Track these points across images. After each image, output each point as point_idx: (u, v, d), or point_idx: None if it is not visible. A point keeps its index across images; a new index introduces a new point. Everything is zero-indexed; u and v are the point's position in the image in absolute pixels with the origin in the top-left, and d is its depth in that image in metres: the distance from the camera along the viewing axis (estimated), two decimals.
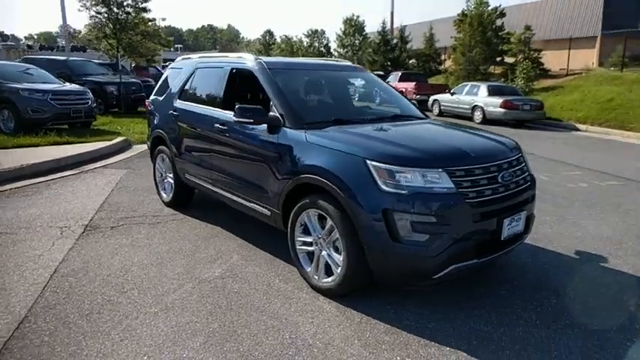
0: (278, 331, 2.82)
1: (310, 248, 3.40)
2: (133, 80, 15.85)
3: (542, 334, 2.83)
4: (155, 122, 5.43)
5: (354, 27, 58.41)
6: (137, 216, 5.02)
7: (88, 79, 13.86)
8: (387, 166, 2.86)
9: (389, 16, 39.82)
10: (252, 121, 3.61)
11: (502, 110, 14.31)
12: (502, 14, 29.53)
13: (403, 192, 2.81)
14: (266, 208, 3.72)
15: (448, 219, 2.82)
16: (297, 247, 3.47)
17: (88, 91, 11.14)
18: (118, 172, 7.11)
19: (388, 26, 38.45)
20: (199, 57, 5.14)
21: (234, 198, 4.12)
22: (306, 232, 3.42)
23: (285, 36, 65.42)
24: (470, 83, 16.94)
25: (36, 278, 3.49)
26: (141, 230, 4.59)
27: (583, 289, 3.48)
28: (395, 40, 37.30)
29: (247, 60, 4.20)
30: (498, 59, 25.70)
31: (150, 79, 17.96)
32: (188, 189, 5.17)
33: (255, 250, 4.10)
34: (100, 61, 18.28)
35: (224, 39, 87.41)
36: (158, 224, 4.80)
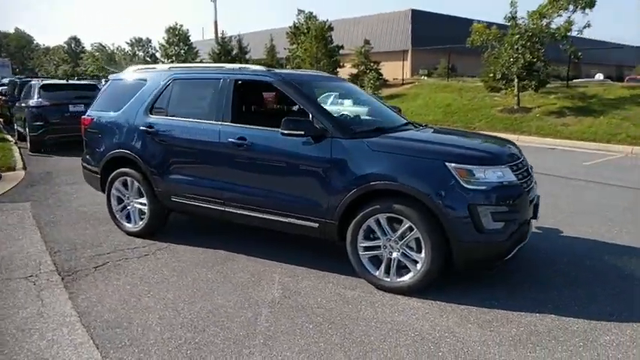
0: (398, 333, 2.91)
1: (375, 252, 3.53)
2: None
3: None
4: (112, 141, 4.69)
5: (177, 36, 56.58)
6: (110, 251, 4.30)
7: None
8: (467, 166, 3.22)
9: (229, 26, 39.72)
10: (302, 133, 3.55)
11: None
12: (330, 28, 32.43)
13: (483, 188, 3.20)
14: (312, 220, 3.68)
15: (516, 207, 3.31)
16: (360, 253, 3.55)
17: None
18: (23, 206, 5.82)
19: (228, 34, 38.36)
20: (170, 67, 4.66)
21: (261, 216, 3.91)
22: (368, 237, 3.53)
23: (100, 44, 59.24)
24: (333, 93, 18.13)
25: (71, 340, 2.82)
26: (134, 266, 3.98)
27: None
28: (235, 51, 37.40)
29: (261, 72, 4.06)
30: (338, 70, 28.12)
31: None
32: (165, 214, 4.64)
33: (287, 265, 3.98)
34: None
35: (12, 45, 74.09)
36: (146, 256, 4.21)
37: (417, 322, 3.05)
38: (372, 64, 25.05)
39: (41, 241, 4.57)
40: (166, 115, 4.41)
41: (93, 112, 4.99)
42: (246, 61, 38.72)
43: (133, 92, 4.69)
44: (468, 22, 42.57)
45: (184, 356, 2.65)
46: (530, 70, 14.03)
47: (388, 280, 3.47)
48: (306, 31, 37.57)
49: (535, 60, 13.81)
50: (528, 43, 13.66)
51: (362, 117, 4.81)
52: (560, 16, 13.55)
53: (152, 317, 3.10)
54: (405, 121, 4.60)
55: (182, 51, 56.21)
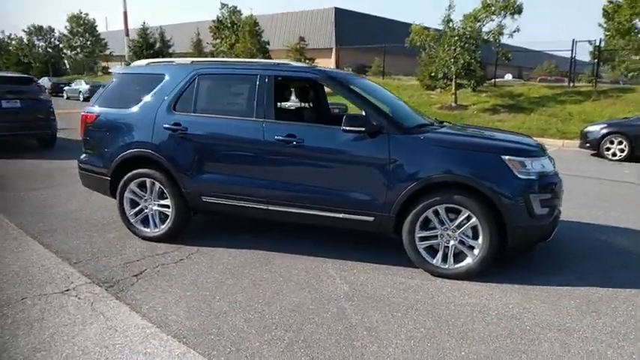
0: (481, 313, 3.13)
1: (431, 242, 3.72)
2: None
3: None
4: (126, 140, 4.37)
5: (82, 26, 52.36)
6: (139, 259, 4.03)
7: None
8: (519, 158, 3.53)
9: (143, 17, 37.76)
10: (363, 129, 3.63)
11: None
12: (256, 23, 32.16)
13: (532, 177, 3.54)
14: (368, 214, 3.78)
15: (556, 194, 3.70)
16: (417, 243, 3.73)
17: None
18: None
19: (151, 26, 36.27)
20: (193, 62, 4.45)
21: (311, 212, 3.92)
22: (425, 228, 3.72)
23: None
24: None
25: (170, 352, 2.67)
26: (177, 272, 3.78)
27: None
28: (158, 44, 35.48)
29: (304, 68, 4.06)
30: None
31: None
32: (190, 216, 4.45)
33: (335, 260, 4.03)
34: None
35: None
36: (182, 261, 4.01)
37: (489, 303, 3.30)
38: (307, 61, 25.26)
39: (48, 252, 4.15)
40: (194, 113, 4.22)
41: (97, 109, 4.60)
42: (170, 55, 37.06)
43: (148, 88, 4.41)
44: (391, 22, 44.50)
45: (303, 354, 2.64)
46: (468, 70, 15.17)
47: (446, 267, 3.69)
48: (230, 25, 36.94)
49: (473, 61, 14.95)
50: (466, 45, 14.73)
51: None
52: (493, 20, 14.81)
53: (238, 321, 3.01)
54: (432, 119, 4.83)
55: (88, 42, 52.23)
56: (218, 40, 36.92)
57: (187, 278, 3.67)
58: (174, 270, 3.83)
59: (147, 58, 33.28)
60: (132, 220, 4.50)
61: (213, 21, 37.24)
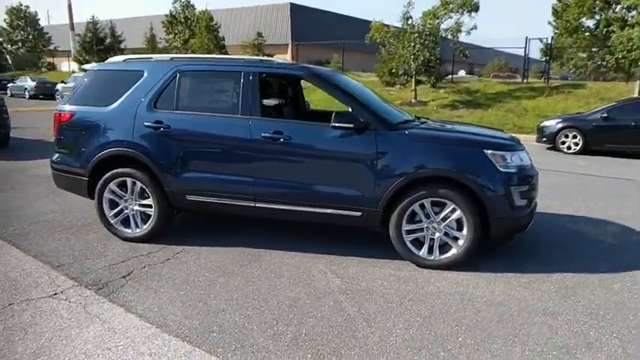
0: (471, 302, 3.30)
1: (417, 235, 3.86)
2: None
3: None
4: (104, 139, 4.24)
5: (23, 19, 49.55)
6: (124, 260, 3.94)
7: None
8: (500, 152, 3.73)
9: (89, 10, 36.22)
10: (351, 126, 3.70)
11: None
12: (212, 18, 31.59)
13: (512, 170, 3.74)
14: (356, 210, 3.87)
15: (533, 186, 3.93)
16: (404, 236, 3.86)
17: None
18: None
19: (101, 20, 34.74)
20: (173, 58, 4.36)
21: (298, 209, 3.96)
22: (411, 221, 3.85)
23: None
24: None
25: (176, 351, 2.65)
26: (166, 272, 3.73)
27: None
28: (109, 40, 34.06)
29: (290, 65, 4.08)
30: None
31: None
32: (173, 216, 4.39)
33: (322, 255, 4.09)
34: None
35: None
36: (169, 261, 3.96)
37: (476, 291, 3.47)
38: (265, 56, 25.02)
39: (26, 256, 3.98)
40: (176, 110, 4.15)
41: (72, 107, 4.42)
42: (122, 51, 35.72)
43: (126, 85, 4.29)
44: (347, 19, 44.76)
45: (309, 347, 2.69)
46: (427, 67, 15.59)
47: (432, 258, 3.84)
48: (183, 20, 36.06)
49: (432, 57, 15.38)
50: (426, 42, 15.13)
51: None
52: (451, 17, 15.29)
53: (237, 318, 3.02)
54: (412, 115, 4.96)
55: (30, 36, 49.39)
56: (171, 36, 36.00)
57: (178, 278, 3.63)
58: (162, 270, 3.77)
59: (97, 53, 31.90)
60: (112, 221, 4.37)
61: (166, 15, 36.22)
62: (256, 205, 4.04)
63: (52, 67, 44.59)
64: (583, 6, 18.01)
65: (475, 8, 14.93)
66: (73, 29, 38.77)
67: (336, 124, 3.70)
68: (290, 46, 38.06)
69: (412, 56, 15.29)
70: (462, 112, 15.40)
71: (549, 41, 18.09)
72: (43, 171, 7.21)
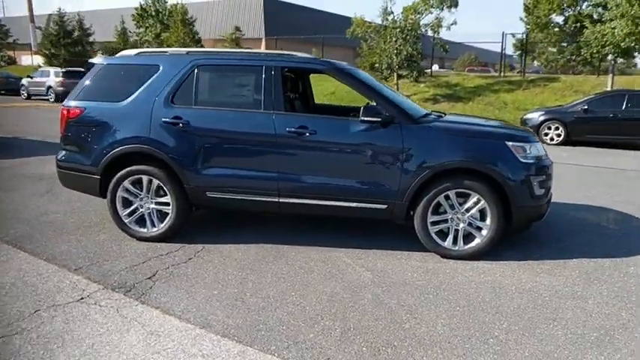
0: (503, 289, 3.38)
1: (442, 226, 3.92)
2: None
3: None
4: (118, 136, 4.10)
5: None
6: (144, 260, 3.83)
7: None
8: (521, 144, 3.83)
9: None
10: (379, 120, 3.71)
11: None
12: (186, 12, 30.88)
13: (532, 161, 3.85)
14: (382, 202, 3.89)
15: (550, 176, 4.05)
16: (430, 227, 3.91)
17: None
18: None
19: (69, 11, 33.34)
20: (189, 52, 4.25)
21: (324, 203, 3.96)
22: (435, 213, 3.91)
23: None
24: None
25: (228, 351, 2.61)
26: (192, 271, 3.65)
27: None
28: (77, 33, 32.72)
29: (312, 60, 4.06)
30: None
31: None
32: (190, 213, 4.30)
33: (345, 250, 4.09)
34: None
35: None
36: (191, 260, 3.87)
37: (504, 279, 3.56)
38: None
39: (38, 260, 3.81)
40: (195, 106, 4.06)
41: (81, 102, 4.25)
42: (91, 44, 34.49)
43: (141, 79, 4.16)
44: (322, 14, 44.56)
45: (361, 341, 2.70)
46: (410, 62, 15.77)
47: (456, 248, 3.91)
48: (154, 13, 35.15)
49: (414, 52, 15.57)
50: (408, 37, 15.30)
51: None
52: (431, 13, 15.49)
53: (281, 315, 2.99)
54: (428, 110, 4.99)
55: None
56: (142, 29, 35.02)
57: (206, 277, 3.56)
58: (187, 269, 3.69)
59: (64, 47, 30.66)
60: (126, 221, 4.24)
61: (136, 9, 35.20)
62: (280, 200, 4.00)
63: (11, 61, 42.53)
64: (553, 2, 18.65)
65: (455, 4, 15.20)
66: (33, 21, 37.14)
67: (365, 118, 3.71)
68: (264, 40, 37.72)
69: (395, 51, 15.43)
70: (443, 105, 15.66)
71: (524, 36, 18.59)
72: (29, 170, 6.93)
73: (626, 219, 5.20)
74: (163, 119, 4.02)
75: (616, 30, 12.11)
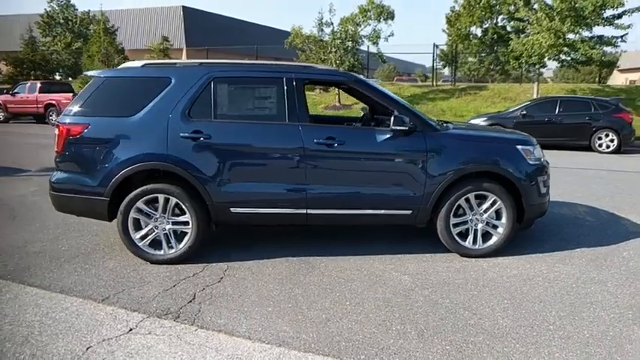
0: (531, 282, 3.67)
1: (462, 227, 4.16)
2: None
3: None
4: (130, 153, 3.85)
5: None
6: (174, 284, 3.63)
7: None
8: (528, 147, 4.20)
9: None
10: (406, 129, 3.86)
11: None
12: (91, 21, 29.31)
13: (537, 163, 4.24)
14: (408, 208, 4.05)
15: (549, 174, 4.46)
16: (452, 229, 4.13)
17: None
18: None
19: None
20: (202, 64, 4.09)
21: (351, 212, 4.03)
22: (456, 215, 4.14)
23: None
24: None
25: None
26: (230, 290, 3.53)
27: None
28: None
29: (333, 72, 4.12)
30: None
31: None
32: (209, 231, 4.14)
33: (373, 256, 4.19)
34: None
35: None
36: (223, 280, 3.73)
37: (528, 272, 3.87)
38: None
39: (52, 293, 3.45)
40: (215, 119, 3.93)
41: (84, 118, 3.92)
42: None
43: (151, 93, 3.94)
44: (242, 23, 44.18)
45: (441, 340, 2.81)
46: (352, 72, 16.26)
47: (476, 247, 4.16)
48: (63, 21, 32.81)
49: (356, 62, 16.09)
50: (348, 48, 15.79)
51: None
52: (369, 25, 16.14)
53: (350, 324, 3.01)
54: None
55: None
56: (49, 38, 32.46)
57: (250, 294, 3.46)
58: (225, 289, 3.55)
59: None
60: (139, 244, 3.97)
61: (41, 15, 32.60)
62: (308, 211, 4.00)
63: None
64: (473, 16, 20.25)
65: (391, 16, 15.99)
66: None
67: (395, 127, 3.84)
68: (185, 50, 36.61)
69: (337, 61, 15.84)
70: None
71: (454, 47, 20.00)
72: None
73: (594, 211, 5.85)
74: (182, 134, 3.85)
75: (542, 42, 13.54)
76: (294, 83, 3.98)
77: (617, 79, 36.14)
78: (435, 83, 20.41)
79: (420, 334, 2.88)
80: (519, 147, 4.15)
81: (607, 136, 11.37)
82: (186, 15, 39.03)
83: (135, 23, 39.61)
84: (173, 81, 3.97)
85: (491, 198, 4.08)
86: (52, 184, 4.07)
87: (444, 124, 4.50)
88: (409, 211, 4.06)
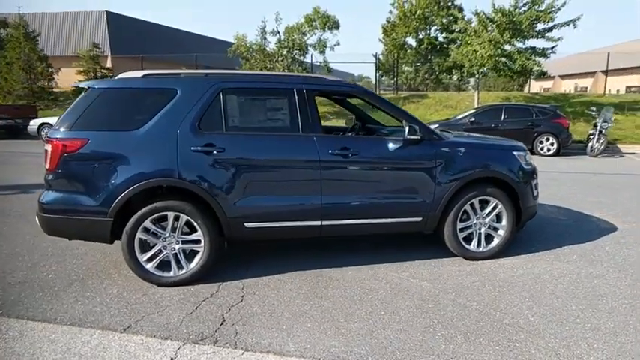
0: (541, 279, 3.92)
1: (467, 231, 4.35)
2: None
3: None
4: (136, 170, 3.59)
5: None
6: (195, 307, 3.44)
7: None
8: (522, 153, 4.49)
9: None
10: (418, 138, 3.97)
11: None
12: (6, 24, 26.92)
13: (530, 167, 4.55)
14: (417, 216, 4.16)
15: (537, 179, 4.79)
16: (458, 234, 4.30)
17: None
18: None
19: None
20: (208, 74, 3.91)
21: (366, 222, 4.06)
22: (462, 220, 4.32)
23: None
24: None
25: None
26: (259, 309, 3.41)
27: None
28: None
29: (342, 82, 4.12)
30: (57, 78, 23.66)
31: None
32: (221, 248, 3.97)
33: (383, 265, 4.24)
34: None
35: None
36: (246, 299, 3.59)
37: (532, 270, 4.12)
38: (105, 71, 22.39)
39: (64, 326, 3.12)
40: (227, 131, 3.79)
41: (81, 133, 3.59)
42: None
43: (155, 105, 3.72)
44: (168, 30, 42.62)
45: (489, 341, 2.91)
46: None
47: (481, 250, 4.37)
48: None
49: (304, 71, 16.16)
50: (296, 57, 15.85)
51: None
52: (315, 34, 16.34)
53: (395, 333, 3.03)
54: None
55: None
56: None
57: (282, 312, 3.36)
58: (253, 308, 3.42)
59: None
60: (147, 267, 3.71)
61: None
62: (322, 223, 3.96)
63: None
64: (409, 26, 21.28)
65: (337, 26, 16.30)
66: None
67: (408, 137, 3.94)
68: (109, 58, 34.60)
69: (285, 70, 15.82)
70: (334, 122, 16.56)
71: (393, 57, 20.78)
72: None
73: (564, 211, 6.35)
74: (192, 147, 3.66)
75: (482, 52, 14.53)
76: (306, 94, 3.95)
77: (533, 87, 39.62)
78: (378, 92, 21.07)
79: (466, 338, 2.96)
80: (515, 153, 4.43)
81: (547, 140, 12.43)
82: (110, 20, 36.97)
83: (58, 28, 36.86)
84: (179, 92, 3.77)
85: (493, 202, 4.31)
86: (43, 205, 3.68)
87: (444, 133, 4.69)
88: (419, 219, 4.17)
